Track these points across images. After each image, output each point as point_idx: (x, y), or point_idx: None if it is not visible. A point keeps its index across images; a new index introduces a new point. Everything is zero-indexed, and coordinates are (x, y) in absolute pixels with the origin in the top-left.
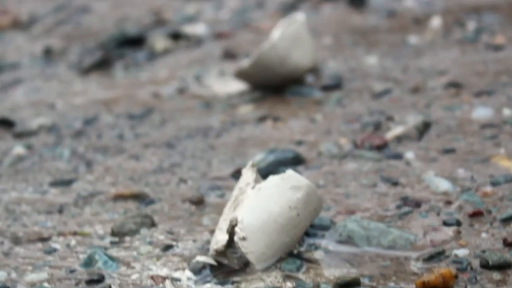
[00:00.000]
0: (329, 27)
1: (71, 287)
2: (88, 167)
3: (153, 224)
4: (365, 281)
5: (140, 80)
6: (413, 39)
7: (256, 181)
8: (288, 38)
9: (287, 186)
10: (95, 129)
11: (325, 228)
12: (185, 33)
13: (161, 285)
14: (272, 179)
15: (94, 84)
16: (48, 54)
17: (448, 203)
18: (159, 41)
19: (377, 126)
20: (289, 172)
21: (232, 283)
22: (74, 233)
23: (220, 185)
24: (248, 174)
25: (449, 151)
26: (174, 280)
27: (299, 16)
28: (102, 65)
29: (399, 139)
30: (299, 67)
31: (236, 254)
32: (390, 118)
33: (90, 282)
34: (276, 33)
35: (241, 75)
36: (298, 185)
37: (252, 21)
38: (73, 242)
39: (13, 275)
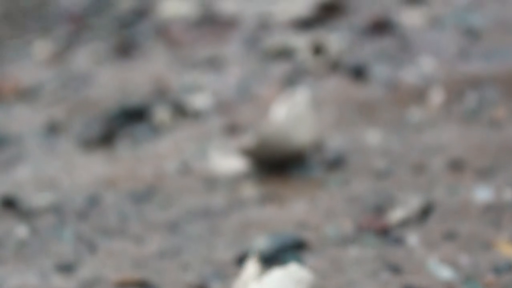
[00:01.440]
0: (331, 101)
1: None
2: (91, 250)
3: None
4: None
5: (143, 157)
6: (414, 113)
7: (259, 274)
8: (291, 116)
9: (290, 281)
10: (98, 209)
11: None
12: (188, 105)
13: None
14: (275, 273)
15: (97, 160)
16: (51, 127)
17: None
18: (162, 115)
19: (380, 208)
20: (292, 266)
21: None
22: None
23: (223, 271)
24: (251, 267)
25: (451, 235)
26: None
27: (303, 93)
28: (105, 140)
29: (401, 222)
30: (302, 145)
31: None
32: (392, 200)
33: None
34: (279, 110)
35: (244, 152)
36: (302, 280)
37: (255, 92)
38: None
39: None
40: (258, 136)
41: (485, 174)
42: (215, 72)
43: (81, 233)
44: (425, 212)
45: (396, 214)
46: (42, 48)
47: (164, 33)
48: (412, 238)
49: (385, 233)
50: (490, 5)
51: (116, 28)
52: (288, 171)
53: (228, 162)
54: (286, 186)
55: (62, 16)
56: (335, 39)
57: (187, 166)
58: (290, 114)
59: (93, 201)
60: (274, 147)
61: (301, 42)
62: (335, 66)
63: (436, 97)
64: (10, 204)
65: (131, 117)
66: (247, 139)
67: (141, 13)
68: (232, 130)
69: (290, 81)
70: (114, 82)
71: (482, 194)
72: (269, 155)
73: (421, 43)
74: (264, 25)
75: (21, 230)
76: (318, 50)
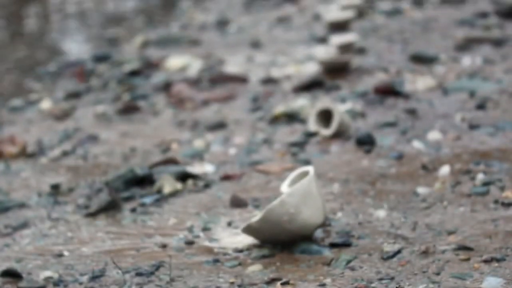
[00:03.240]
0: (337, 171)
1: None
2: None
3: None
4: None
5: (147, 228)
6: (421, 190)
7: None
8: (297, 194)
9: None
10: (102, 285)
11: None
12: (193, 173)
13: None
14: None
15: (101, 231)
16: (55, 193)
17: None
18: (167, 184)
19: None
20: None
21: None
22: None
23: None
24: None
25: None
26: None
27: (309, 170)
28: (110, 208)
29: None
30: (308, 224)
31: None
32: (400, 287)
33: None
34: (286, 188)
35: (249, 231)
36: None
37: (259, 161)
38: None
39: None
40: (264, 216)
41: (493, 261)
42: (220, 136)
43: None
44: None
45: None
46: (47, 105)
47: (169, 93)
48: None
49: None
50: (498, 73)
51: (121, 87)
52: (294, 250)
53: (234, 237)
54: (293, 267)
55: (69, 71)
56: (342, 107)
57: (191, 240)
58: (297, 194)
59: (97, 277)
60: (279, 224)
61: (307, 107)
62: (341, 134)
63: (444, 171)
64: (13, 276)
65: (135, 185)
66: (253, 218)
67: (146, 72)
68: (238, 204)
69: (296, 148)
70: (118, 144)
71: (491, 283)
72: (274, 232)
73: (428, 113)
74: (271, 88)
75: None
76: (324, 117)
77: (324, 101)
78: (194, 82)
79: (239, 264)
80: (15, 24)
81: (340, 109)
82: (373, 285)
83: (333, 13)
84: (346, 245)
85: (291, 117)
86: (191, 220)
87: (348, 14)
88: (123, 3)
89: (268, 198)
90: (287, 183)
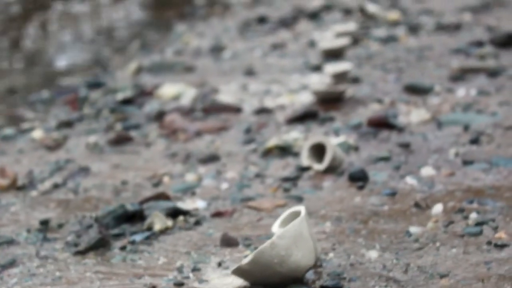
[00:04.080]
0: (329, 208)
1: None
2: None
3: None
4: None
5: (137, 268)
6: (414, 229)
7: None
8: (288, 236)
9: None
10: None
11: None
12: (184, 210)
13: None
14: None
15: (90, 270)
16: (45, 229)
17: None
18: (157, 221)
19: None
20: None
21: None
22: None
23: None
24: None
25: None
26: None
27: (301, 211)
28: (99, 246)
29: None
30: (299, 266)
31: None
32: None
33: None
34: (276, 228)
35: (239, 273)
36: None
37: (251, 197)
38: None
39: None
40: (254, 258)
41: None
42: (212, 170)
43: None
44: None
45: None
46: (39, 134)
47: (161, 123)
48: None
49: None
50: (493, 106)
51: (114, 116)
52: None
53: (224, 280)
54: None
55: (62, 99)
56: (335, 140)
57: (181, 282)
58: (288, 236)
59: None
60: (269, 266)
61: (300, 140)
62: (334, 169)
63: (437, 210)
64: None
65: (126, 221)
66: (244, 260)
67: (139, 100)
68: (229, 243)
69: (289, 183)
70: (109, 177)
71: None
72: (265, 275)
73: (422, 147)
74: (264, 118)
75: None
76: (317, 150)
77: (317, 135)
78: (187, 112)
79: None
80: (10, 46)
81: (333, 143)
82: None
83: (328, 42)
84: (337, 287)
85: (284, 150)
86: (181, 260)
87: (342, 42)
88: (118, 26)
89: (260, 237)
90: (278, 223)
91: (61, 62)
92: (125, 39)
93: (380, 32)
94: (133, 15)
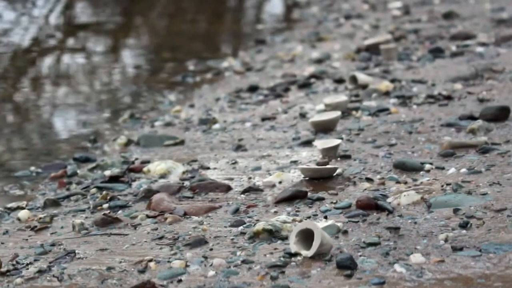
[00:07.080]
0: None
1: None
2: None
3: None
4: None
5: None
6: None
7: None
8: None
9: None
10: None
11: None
12: None
13: None
14: None
15: None
16: None
17: None
18: None
19: None
20: None
21: None
22: None
23: None
24: None
25: None
26: None
27: None
28: None
29: None
30: None
31: None
32: None
33: None
34: None
35: None
36: None
37: (238, 286)
38: None
39: None
40: None
41: None
42: (199, 255)
43: None
44: None
45: None
46: (25, 214)
47: (149, 204)
48: None
49: None
50: (484, 186)
51: (101, 195)
52: None
53: None
54: None
55: (49, 175)
56: (323, 224)
57: None
58: None
59: None
60: None
61: (289, 223)
62: (323, 255)
63: None
64: None
65: None
66: None
67: (127, 177)
68: None
69: (276, 271)
70: (95, 262)
71: None
72: None
73: (411, 231)
74: (252, 198)
75: None
76: (306, 235)
77: (305, 219)
78: (175, 191)
79: None
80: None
81: (321, 228)
82: None
83: (318, 116)
84: None
85: (272, 233)
86: None
87: (332, 115)
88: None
89: None
90: None
91: (50, 133)
92: (115, 109)
93: (371, 103)
94: (124, 82)
